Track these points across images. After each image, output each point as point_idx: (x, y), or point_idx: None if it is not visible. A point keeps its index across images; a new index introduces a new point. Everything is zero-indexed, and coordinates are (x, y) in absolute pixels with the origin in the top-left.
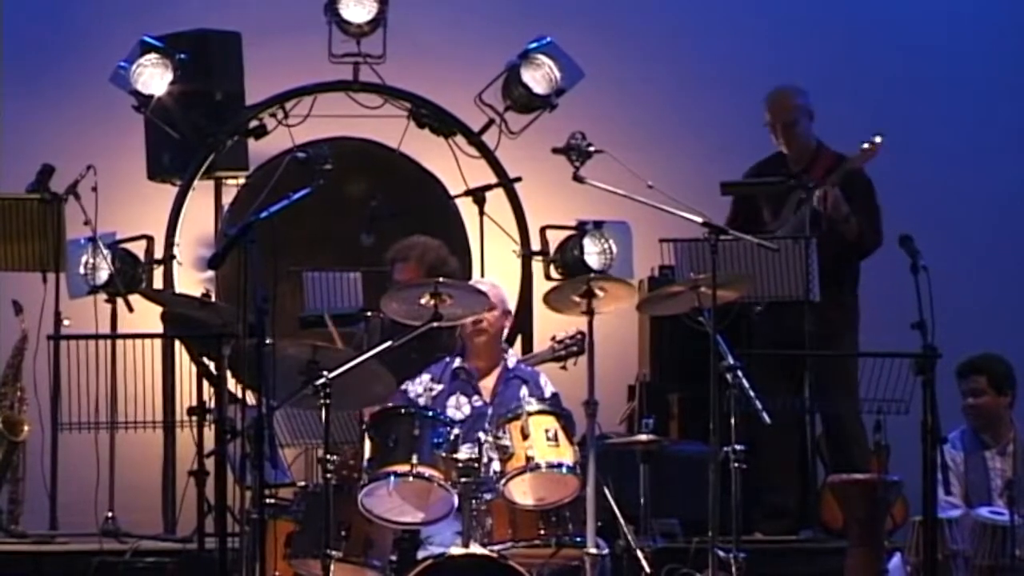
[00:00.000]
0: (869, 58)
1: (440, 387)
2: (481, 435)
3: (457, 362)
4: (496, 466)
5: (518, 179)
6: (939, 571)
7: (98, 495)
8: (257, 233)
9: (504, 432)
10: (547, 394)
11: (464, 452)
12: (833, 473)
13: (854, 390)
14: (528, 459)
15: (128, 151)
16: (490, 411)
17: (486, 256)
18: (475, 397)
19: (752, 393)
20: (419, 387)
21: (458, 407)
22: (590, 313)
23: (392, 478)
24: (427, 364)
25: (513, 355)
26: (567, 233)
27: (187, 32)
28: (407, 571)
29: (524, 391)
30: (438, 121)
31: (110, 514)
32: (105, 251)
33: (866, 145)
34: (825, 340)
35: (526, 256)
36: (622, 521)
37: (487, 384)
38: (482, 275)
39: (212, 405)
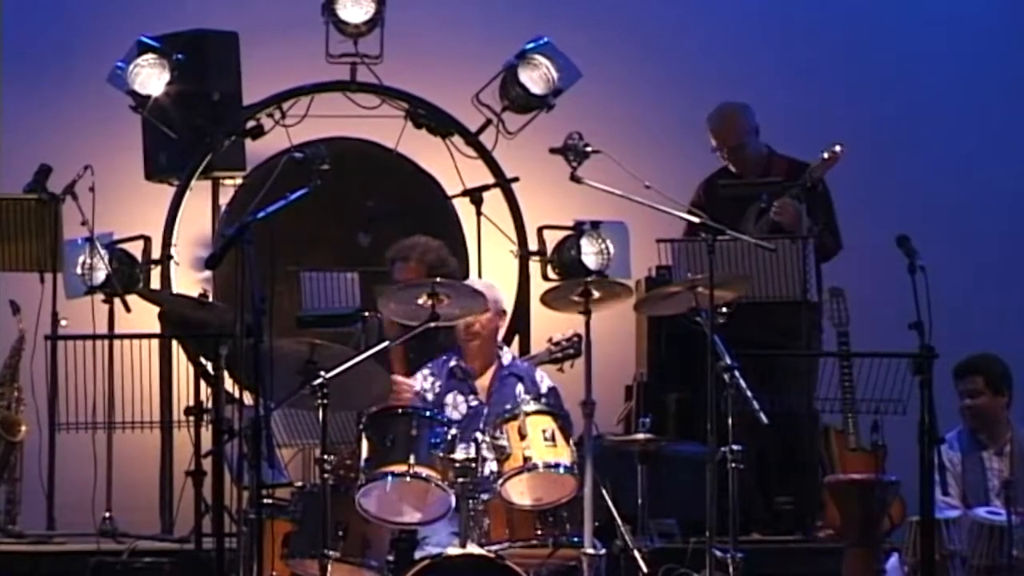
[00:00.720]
0: (869, 57)
1: (438, 384)
2: (478, 435)
3: (454, 360)
4: (493, 466)
5: (515, 179)
6: (936, 571)
7: (95, 495)
8: (254, 233)
9: (501, 432)
10: (544, 389)
11: (461, 452)
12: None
13: (810, 389)
14: (525, 459)
15: (125, 151)
16: (486, 410)
17: (483, 256)
18: (471, 396)
19: (749, 393)
20: (424, 382)
21: (455, 406)
22: (587, 313)
23: (389, 478)
24: (428, 360)
25: (508, 352)
26: (564, 233)
27: (184, 32)
28: (404, 571)
29: (520, 388)
30: (435, 121)
31: (107, 514)
32: (102, 251)
33: (826, 154)
34: (788, 341)
35: (523, 256)
36: (619, 521)
37: (483, 383)
38: (479, 275)
39: (209, 405)
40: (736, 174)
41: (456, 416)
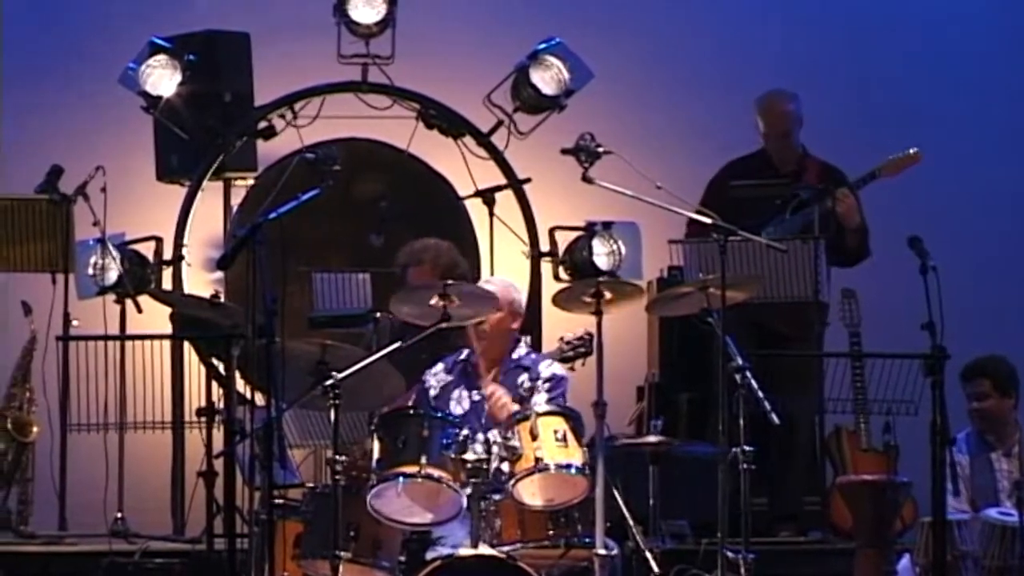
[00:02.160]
0: (874, 59)
1: (449, 378)
2: (490, 436)
3: (465, 354)
4: (505, 467)
5: (527, 180)
6: (948, 572)
7: (107, 496)
8: (266, 234)
9: (513, 433)
10: (545, 375)
11: (473, 453)
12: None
13: (810, 390)
14: (537, 460)
15: (137, 152)
16: (488, 405)
17: (495, 257)
18: (475, 392)
19: (761, 394)
20: (433, 379)
21: (459, 400)
22: (599, 314)
23: (401, 479)
24: (439, 358)
25: (523, 345)
26: (576, 234)
27: (196, 33)
28: (416, 572)
29: (523, 378)
30: (447, 122)
31: (119, 515)
32: (114, 252)
33: (899, 155)
34: (794, 340)
35: (535, 257)
36: (631, 522)
37: (489, 378)
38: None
39: (221, 406)
40: (759, 166)
41: (459, 411)
